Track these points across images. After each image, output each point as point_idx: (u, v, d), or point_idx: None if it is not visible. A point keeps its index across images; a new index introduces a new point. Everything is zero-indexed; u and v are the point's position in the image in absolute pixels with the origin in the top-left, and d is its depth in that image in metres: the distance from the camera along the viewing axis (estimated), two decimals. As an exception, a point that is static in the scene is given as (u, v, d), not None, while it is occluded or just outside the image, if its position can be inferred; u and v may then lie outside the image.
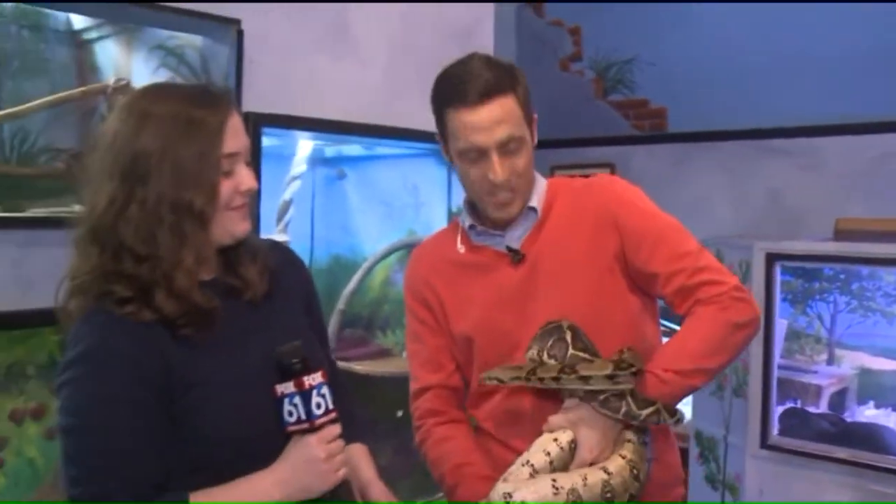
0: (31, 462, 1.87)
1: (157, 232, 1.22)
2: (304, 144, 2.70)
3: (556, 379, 1.40)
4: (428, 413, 1.64)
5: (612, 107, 4.30)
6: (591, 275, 1.55)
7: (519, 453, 1.44)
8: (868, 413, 2.68)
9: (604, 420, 1.41)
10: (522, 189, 1.56)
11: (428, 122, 1.60)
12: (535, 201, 1.59)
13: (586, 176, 1.68)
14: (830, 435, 2.63)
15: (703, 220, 3.57)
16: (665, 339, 1.61)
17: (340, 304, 2.78)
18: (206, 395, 1.24)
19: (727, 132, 3.82)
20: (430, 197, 2.98)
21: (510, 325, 1.56)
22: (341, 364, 2.64)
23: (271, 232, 2.58)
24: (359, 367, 2.77)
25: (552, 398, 1.50)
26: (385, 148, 2.93)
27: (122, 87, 2.06)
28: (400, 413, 2.69)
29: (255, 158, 2.08)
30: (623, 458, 1.39)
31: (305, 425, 1.25)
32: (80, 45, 2.13)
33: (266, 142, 2.26)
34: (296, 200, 2.69)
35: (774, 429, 2.70)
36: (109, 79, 2.11)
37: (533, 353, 1.47)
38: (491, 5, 3.11)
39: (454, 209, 2.90)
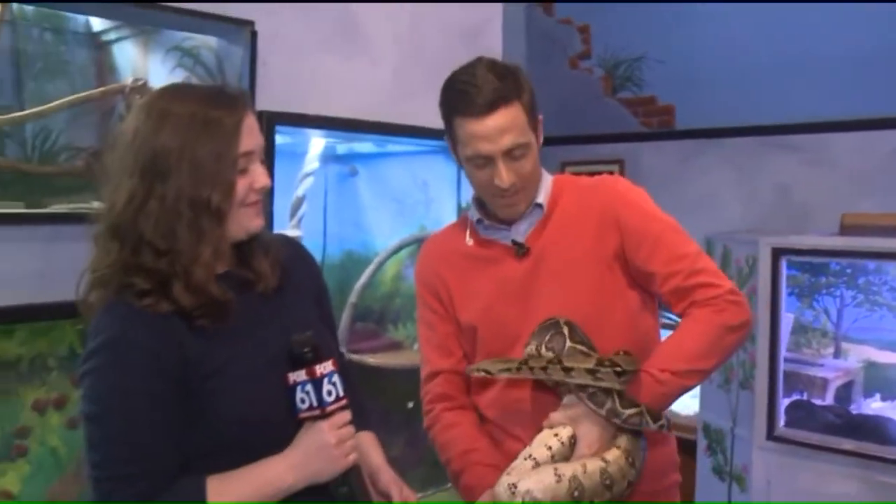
0: (54, 451, 1.91)
1: (176, 227, 1.24)
2: (317, 142, 2.72)
3: (544, 369, 1.44)
4: (438, 398, 1.67)
5: (620, 104, 4.32)
6: (592, 272, 1.58)
7: (521, 440, 1.48)
8: (874, 405, 2.69)
9: (601, 417, 1.45)
10: (528, 189, 1.59)
11: (436, 120, 1.62)
12: (541, 197, 1.62)
13: (593, 175, 1.71)
14: (836, 427, 2.64)
15: (711, 215, 3.60)
16: (665, 332, 1.64)
17: (352, 298, 2.80)
18: (222, 384, 1.26)
19: (735, 128, 3.83)
20: (439, 193, 2.99)
21: (512, 318, 1.59)
22: (353, 356, 2.69)
23: (285, 228, 2.59)
24: (371, 359, 2.79)
25: (550, 389, 1.53)
26: (395, 145, 2.94)
27: (140, 88, 2.09)
28: (411, 404, 2.72)
29: (268, 156, 2.10)
30: (619, 447, 1.44)
31: (317, 412, 1.27)
32: (99, 46, 2.17)
33: (279, 140, 2.28)
34: (308, 197, 2.70)
35: (781, 421, 2.70)
36: (127, 79, 2.14)
37: (531, 348, 1.51)
38: (500, 4, 3.11)
39: (464, 205, 2.90)
